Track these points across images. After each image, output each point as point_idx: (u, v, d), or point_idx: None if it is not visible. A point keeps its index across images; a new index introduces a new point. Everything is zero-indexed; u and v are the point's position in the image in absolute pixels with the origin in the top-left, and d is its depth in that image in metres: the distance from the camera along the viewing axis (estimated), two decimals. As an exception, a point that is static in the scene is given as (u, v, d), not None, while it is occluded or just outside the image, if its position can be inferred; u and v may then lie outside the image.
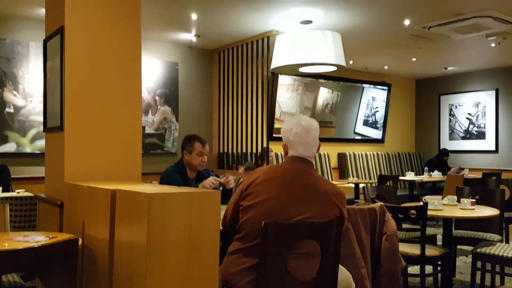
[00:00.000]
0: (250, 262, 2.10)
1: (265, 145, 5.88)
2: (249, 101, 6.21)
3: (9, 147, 5.35)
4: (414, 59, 7.85)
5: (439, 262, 3.69)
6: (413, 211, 3.36)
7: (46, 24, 3.20)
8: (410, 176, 7.87)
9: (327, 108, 8.48)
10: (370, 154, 8.96)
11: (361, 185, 6.99)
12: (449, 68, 8.83)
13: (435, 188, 7.98)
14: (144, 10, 3.17)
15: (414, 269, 4.34)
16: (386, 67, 8.69)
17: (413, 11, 5.23)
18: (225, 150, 6.73)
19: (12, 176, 4.95)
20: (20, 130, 5.41)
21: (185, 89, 6.77)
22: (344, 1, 4.85)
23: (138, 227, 1.91)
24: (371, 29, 5.89)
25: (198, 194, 1.98)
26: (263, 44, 5.88)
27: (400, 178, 7.81)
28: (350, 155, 8.65)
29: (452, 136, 9.42)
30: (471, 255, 3.58)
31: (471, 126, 9.15)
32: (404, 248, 3.41)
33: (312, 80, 8.15)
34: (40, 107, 5.29)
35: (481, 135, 8.98)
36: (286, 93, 7.84)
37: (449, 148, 9.02)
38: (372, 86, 9.09)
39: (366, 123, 9.14)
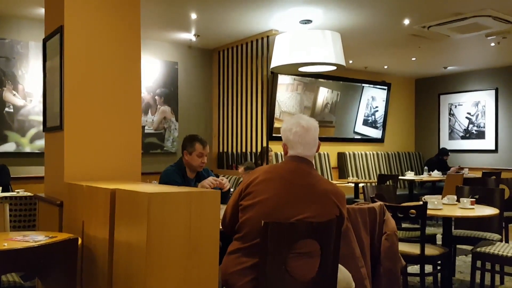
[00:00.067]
0: (250, 262, 2.10)
1: (264, 144, 5.88)
2: (248, 100, 6.21)
3: (9, 147, 5.35)
4: (413, 59, 7.85)
5: (439, 262, 3.69)
6: (413, 211, 3.36)
7: (46, 23, 3.20)
8: (409, 175, 7.87)
9: (326, 108, 8.48)
10: (370, 153, 8.96)
11: (360, 185, 7.00)
12: (448, 68, 8.83)
13: (435, 188, 7.98)
14: (143, 10, 3.18)
15: (413, 269, 4.34)
16: (385, 67, 8.69)
17: (413, 11, 5.23)
18: (225, 150, 6.73)
19: (11, 176, 4.96)
20: (19, 130, 5.41)
21: (184, 88, 6.77)
22: (344, 0, 4.85)
23: (138, 226, 1.91)
24: (371, 29, 5.89)
25: (197, 194, 1.98)
26: (262, 44, 5.88)
27: (400, 177, 7.81)
28: (349, 154, 8.65)
29: (451, 135, 9.42)
30: (470, 255, 3.59)
31: (470, 125, 9.15)
32: (403, 247, 3.41)
33: (311, 80, 8.15)
34: (39, 107, 5.29)
35: (480, 135, 8.98)
36: (286, 93, 7.84)
37: (449, 147, 9.02)
38: (371, 85, 9.09)
39: (365, 122, 9.14)
